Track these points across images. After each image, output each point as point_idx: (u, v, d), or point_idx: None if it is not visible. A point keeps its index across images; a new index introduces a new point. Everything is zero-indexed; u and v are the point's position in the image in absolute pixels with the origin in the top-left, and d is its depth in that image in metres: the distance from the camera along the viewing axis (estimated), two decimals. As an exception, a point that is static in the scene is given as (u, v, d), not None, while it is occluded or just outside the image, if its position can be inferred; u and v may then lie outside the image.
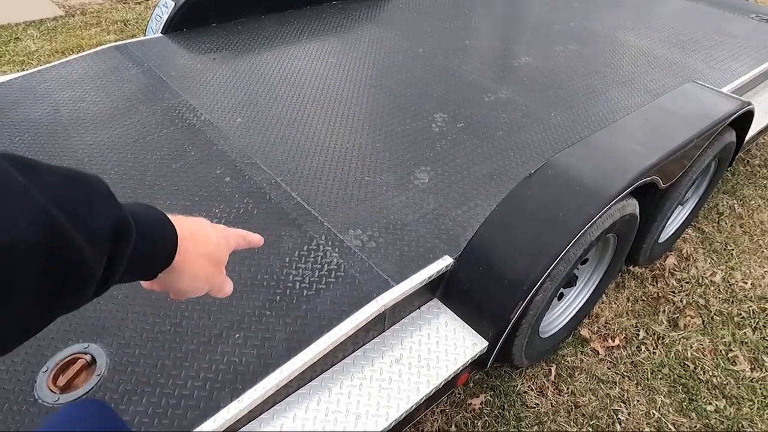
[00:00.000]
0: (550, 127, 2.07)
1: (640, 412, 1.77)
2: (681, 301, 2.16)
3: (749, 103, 1.96)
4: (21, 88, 2.17)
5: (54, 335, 1.24)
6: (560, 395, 1.80)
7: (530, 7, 3.42)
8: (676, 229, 2.33)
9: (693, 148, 1.76)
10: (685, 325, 2.06)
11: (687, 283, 2.24)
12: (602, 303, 2.12)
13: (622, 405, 1.79)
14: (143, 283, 0.63)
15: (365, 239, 1.51)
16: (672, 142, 1.68)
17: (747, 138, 2.22)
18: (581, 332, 1.99)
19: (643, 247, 2.05)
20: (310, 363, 1.21)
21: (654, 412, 1.77)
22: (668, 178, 1.73)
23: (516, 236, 1.42)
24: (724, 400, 1.82)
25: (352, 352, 1.37)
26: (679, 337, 2.01)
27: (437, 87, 2.33)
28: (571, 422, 1.73)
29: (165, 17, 2.63)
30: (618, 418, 1.75)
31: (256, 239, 0.78)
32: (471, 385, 1.80)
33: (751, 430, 1.74)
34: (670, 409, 1.78)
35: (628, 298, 2.16)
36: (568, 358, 1.91)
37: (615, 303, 2.13)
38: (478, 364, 1.47)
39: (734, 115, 1.89)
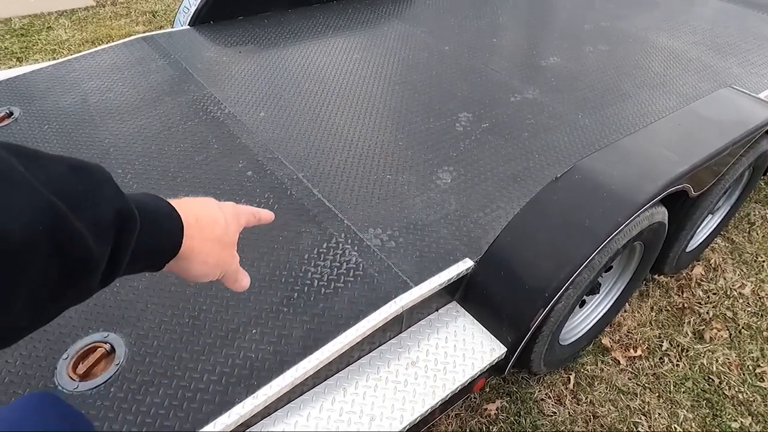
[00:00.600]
0: (578, 130, 2.02)
1: (661, 426, 1.72)
2: (707, 312, 2.09)
3: (788, 111, 1.89)
4: (51, 76, 2.21)
5: (75, 323, 1.26)
6: (578, 404, 1.76)
7: (560, 7, 3.35)
8: (705, 238, 2.26)
9: (727, 155, 1.70)
10: (711, 337, 2.00)
11: (714, 294, 2.17)
12: (625, 312, 2.07)
13: (643, 418, 1.74)
14: None
15: (385, 239, 1.50)
16: (705, 149, 1.62)
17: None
18: (602, 341, 1.95)
19: (669, 255, 1.99)
20: (325, 362, 1.21)
21: (676, 426, 1.72)
22: (700, 187, 1.68)
23: (539, 241, 1.39)
24: (750, 418, 1.76)
25: (368, 353, 1.35)
26: (705, 350, 1.95)
27: (462, 86, 2.29)
28: (589, 432, 1.69)
29: (193, 9, 2.65)
30: (638, 431, 1.71)
31: (267, 216, 0.76)
32: (487, 390, 1.78)
33: (778, 449, 1.69)
34: (693, 424, 1.73)
35: (652, 308, 2.10)
36: (588, 367, 1.87)
37: (638, 312, 2.08)
38: (495, 369, 1.44)
39: (772, 123, 1.82)
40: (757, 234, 2.48)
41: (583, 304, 1.84)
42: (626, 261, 1.83)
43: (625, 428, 1.71)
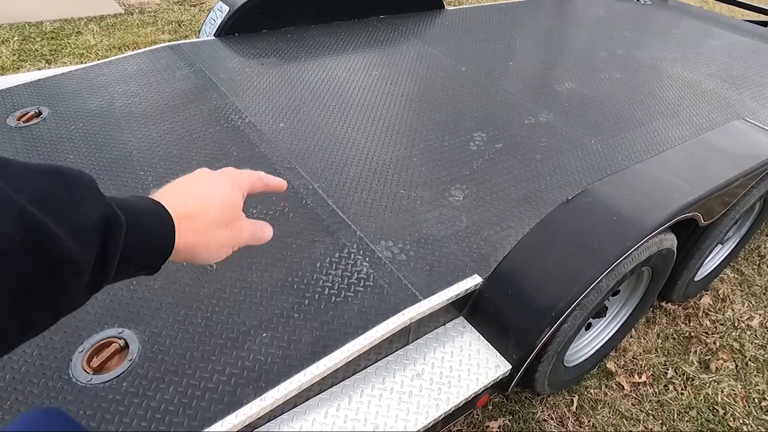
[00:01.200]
0: (590, 155, 2.05)
1: (664, 454, 1.71)
2: (714, 342, 2.09)
3: (801, 145, 1.90)
4: (80, 80, 2.29)
5: (91, 318, 1.29)
6: (581, 427, 1.76)
7: (577, 33, 3.41)
8: (714, 268, 2.26)
9: (738, 186, 1.71)
10: (717, 368, 1.99)
11: (722, 324, 2.17)
12: (631, 337, 2.07)
13: (645, 444, 1.74)
14: None
15: (396, 251, 1.52)
16: (716, 178, 1.64)
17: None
18: (607, 365, 1.95)
19: (678, 283, 1.99)
20: (333, 368, 1.23)
21: (678, 455, 1.71)
22: (710, 216, 1.69)
23: (548, 261, 1.41)
24: (753, 451, 1.75)
25: (375, 363, 1.37)
26: (710, 380, 1.95)
27: (477, 106, 2.34)
28: (590, 456, 1.69)
29: (219, 21, 2.73)
30: (639, 458, 1.70)
31: (277, 183, 0.72)
32: (490, 407, 1.78)
33: (782, 485, 1.67)
34: (696, 454, 1.72)
35: (658, 335, 2.10)
36: (592, 390, 1.87)
37: (644, 338, 2.08)
38: (499, 386, 1.46)
39: (784, 157, 1.84)
40: (767, 267, 2.48)
41: (589, 326, 1.84)
42: (634, 286, 1.84)
43: (626, 454, 1.70)
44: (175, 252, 0.55)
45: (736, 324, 2.17)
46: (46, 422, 0.77)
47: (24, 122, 1.99)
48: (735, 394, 1.91)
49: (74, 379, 1.17)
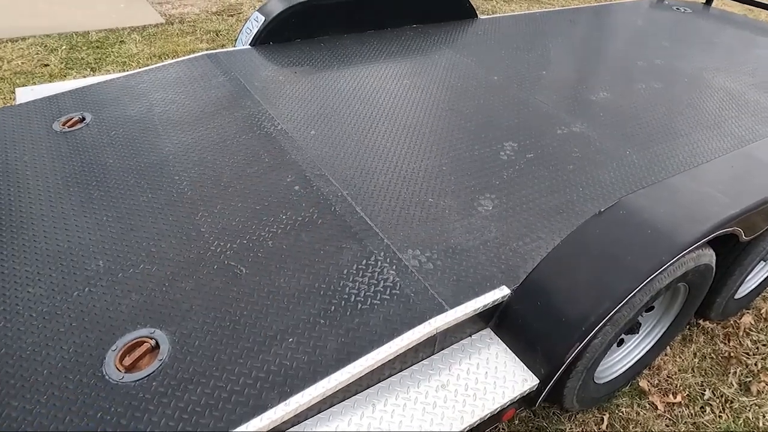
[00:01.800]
0: (625, 166, 2.00)
1: (699, 479, 1.64)
2: (756, 364, 1.99)
3: None
4: (122, 87, 2.37)
5: (125, 317, 1.33)
6: (611, 447, 1.71)
7: (614, 42, 3.34)
8: (757, 286, 2.16)
9: (783, 201, 1.64)
10: (758, 390, 1.90)
11: (764, 345, 2.07)
12: (665, 355, 2.00)
13: (679, 468, 1.67)
14: None
15: (423, 260, 1.52)
16: (758, 192, 1.58)
17: None
18: (640, 383, 1.88)
19: (716, 301, 1.92)
20: (357, 376, 1.23)
21: (715, 481, 1.64)
22: (751, 231, 1.62)
23: (579, 274, 1.38)
24: (797, 481, 1.65)
25: (399, 372, 1.37)
26: (751, 403, 1.86)
27: (509, 115, 2.31)
28: (621, 478, 1.63)
29: (255, 31, 2.80)
30: (673, 482, 1.63)
31: None
32: (516, 422, 1.75)
33: None
34: (734, 480, 1.64)
35: (695, 354, 2.02)
36: (623, 409, 1.81)
37: (680, 357, 2.00)
38: (526, 401, 1.43)
39: (834, 171, 1.75)
40: (815, 286, 2.35)
41: (621, 342, 1.79)
42: (669, 302, 1.78)
43: (659, 477, 1.64)
44: None
45: (779, 345, 2.07)
46: None
47: (68, 127, 2.08)
48: (778, 419, 1.82)
49: (107, 377, 1.20)
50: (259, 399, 1.17)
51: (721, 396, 1.88)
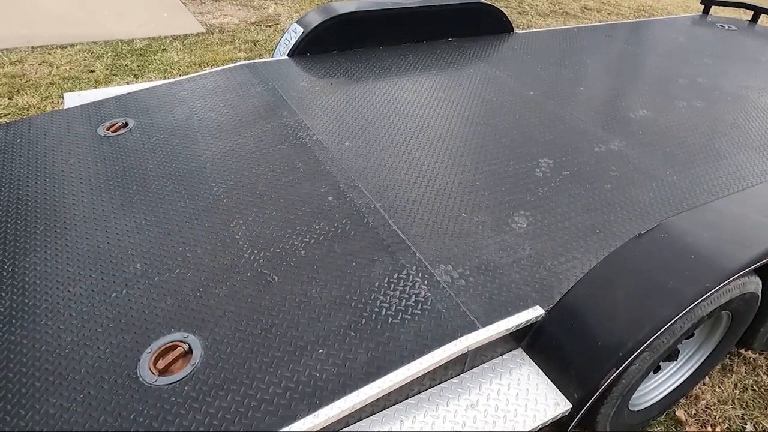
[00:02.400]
0: (665, 187, 1.94)
1: None
2: (801, 399, 1.89)
3: None
4: (164, 94, 2.44)
5: (160, 320, 1.36)
6: (644, 478, 1.64)
7: (654, 59, 3.27)
8: (803, 317, 2.06)
9: (836, 229, 1.56)
10: (803, 427, 1.80)
11: (811, 380, 1.97)
12: (704, 384, 1.92)
13: (717, 505, 1.59)
14: None
15: (455, 276, 1.50)
16: (810, 220, 1.51)
17: None
18: (676, 412, 1.81)
19: (760, 331, 1.83)
20: (386, 391, 1.22)
21: None
22: (801, 260, 1.55)
23: (617, 298, 1.34)
24: None
25: (428, 389, 1.35)
26: (796, 440, 1.76)
27: (545, 132, 2.28)
28: None
29: (293, 42, 2.85)
30: None
31: None
32: (545, 446, 1.70)
33: None
34: None
35: (735, 385, 1.93)
36: (658, 439, 1.74)
37: (719, 387, 1.92)
38: (557, 425, 1.39)
39: None
40: None
41: (658, 369, 1.73)
42: (710, 330, 1.71)
43: None
44: None
45: (827, 380, 1.96)
46: None
47: (112, 132, 2.15)
48: (825, 459, 1.72)
49: (141, 379, 1.22)
50: (288, 409, 1.17)
51: (764, 430, 1.79)
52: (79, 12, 4.88)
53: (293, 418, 1.15)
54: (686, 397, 1.86)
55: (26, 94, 3.49)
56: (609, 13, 6.93)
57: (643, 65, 3.20)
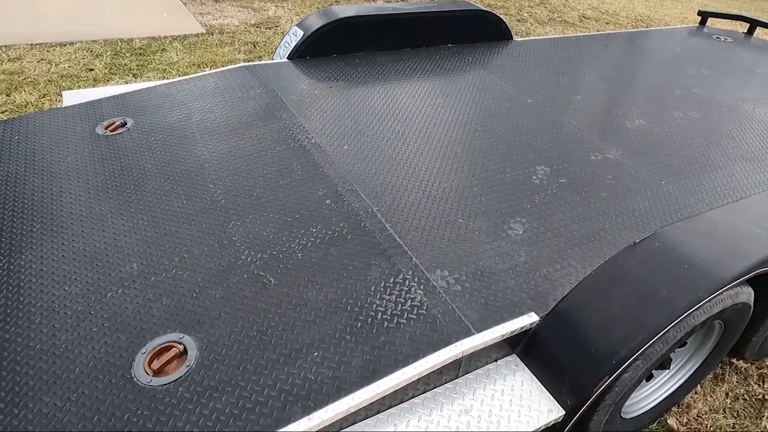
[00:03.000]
0: (660, 196, 1.96)
1: None
2: (792, 409, 1.91)
3: None
4: (163, 94, 2.44)
5: (156, 321, 1.35)
6: (635, 486, 1.65)
7: (651, 70, 3.30)
8: (795, 328, 2.08)
9: (828, 241, 1.58)
10: (794, 437, 1.82)
11: (801, 390, 1.98)
12: (696, 393, 1.93)
13: None
14: None
15: (451, 281, 1.51)
16: (803, 231, 1.53)
17: None
18: (668, 421, 1.82)
19: (752, 340, 1.85)
20: (381, 395, 1.22)
21: None
22: (793, 271, 1.57)
23: (612, 305, 1.35)
24: None
25: (422, 393, 1.35)
26: (786, 450, 1.78)
27: (542, 139, 2.30)
28: None
29: (293, 44, 2.86)
30: None
31: None
32: (537, 452, 1.70)
33: None
34: None
35: (727, 394, 1.95)
36: (649, 447, 1.75)
37: (711, 396, 1.93)
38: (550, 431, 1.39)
39: None
40: None
41: (650, 377, 1.74)
42: (703, 339, 1.73)
43: None
44: None
45: (818, 391, 1.98)
46: None
47: (111, 131, 2.15)
48: (814, 469, 1.73)
49: (135, 379, 1.22)
50: (283, 411, 1.17)
51: (754, 440, 1.80)
52: (79, 10, 4.88)
53: (287, 421, 1.15)
54: (678, 406, 1.88)
55: (24, 91, 3.48)
56: (607, 23, 6.99)
57: (639, 75, 3.22)
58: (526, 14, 6.79)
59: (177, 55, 4.26)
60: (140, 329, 1.34)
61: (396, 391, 1.26)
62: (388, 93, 2.59)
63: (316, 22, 2.90)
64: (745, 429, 1.84)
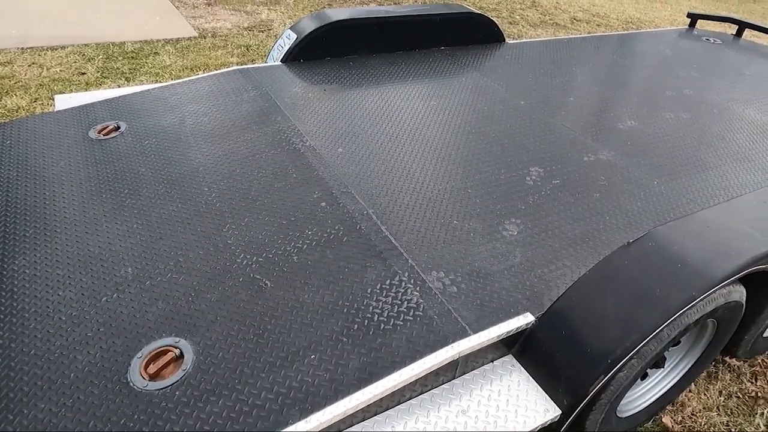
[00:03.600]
0: (653, 196, 1.98)
1: None
2: (784, 406, 1.93)
3: None
4: (156, 98, 2.44)
5: (151, 325, 1.35)
6: (631, 484, 1.66)
7: (642, 71, 3.33)
8: (786, 325, 2.11)
9: (817, 240, 1.60)
10: (786, 434, 1.84)
11: (793, 387, 2.01)
12: (690, 392, 1.95)
13: None
14: None
15: (447, 282, 1.51)
16: (793, 230, 1.55)
17: None
18: (663, 419, 1.84)
19: (744, 338, 1.87)
20: (378, 396, 1.22)
21: None
22: (784, 269, 1.59)
23: (606, 305, 1.36)
24: None
25: (420, 394, 1.36)
26: (779, 447, 1.80)
27: (535, 141, 2.31)
28: None
29: (286, 47, 2.86)
30: None
31: None
32: (534, 452, 1.71)
33: None
34: None
35: (720, 392, 1.96)
36: (645, 445, 1.76)
37: (705, 394, 1.95)
38: (547, 431, 1.40)
39: None
40: None
41: (645, 376, 1.75)
42: (696, 338, 1.74)
43: None
44: None
45: (809, 388, 2.00)
46: None
47: (104, 135, 2.14)
48: (807, 465, 1.75)
49: (132, 384, 1.22)
50: (280, 415, 1.17)
51: (748, 437, 1.82)
52: (70, 14, 4.85)
53: (285, 424, 1.15)
54: (673, 404, 1.89)
55: (15, 95, 3.46)
56: (598, 25, 7.04)
57: (631, 77, 3.25)
58: (517, 17, 6.83)
59: (170, 58, 4.25)
60: (136, 333, 1.33)
61: (393, 393, 1.27)
62: (381, 96, 2.60)
63: (309, 26, 2.90)
64: (739, 426, 1.85)
